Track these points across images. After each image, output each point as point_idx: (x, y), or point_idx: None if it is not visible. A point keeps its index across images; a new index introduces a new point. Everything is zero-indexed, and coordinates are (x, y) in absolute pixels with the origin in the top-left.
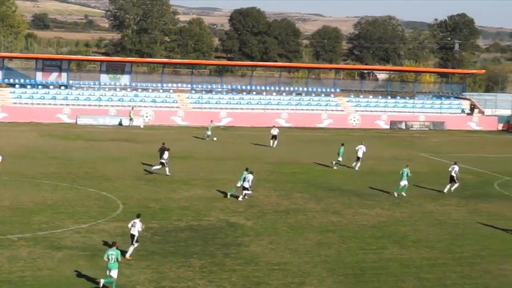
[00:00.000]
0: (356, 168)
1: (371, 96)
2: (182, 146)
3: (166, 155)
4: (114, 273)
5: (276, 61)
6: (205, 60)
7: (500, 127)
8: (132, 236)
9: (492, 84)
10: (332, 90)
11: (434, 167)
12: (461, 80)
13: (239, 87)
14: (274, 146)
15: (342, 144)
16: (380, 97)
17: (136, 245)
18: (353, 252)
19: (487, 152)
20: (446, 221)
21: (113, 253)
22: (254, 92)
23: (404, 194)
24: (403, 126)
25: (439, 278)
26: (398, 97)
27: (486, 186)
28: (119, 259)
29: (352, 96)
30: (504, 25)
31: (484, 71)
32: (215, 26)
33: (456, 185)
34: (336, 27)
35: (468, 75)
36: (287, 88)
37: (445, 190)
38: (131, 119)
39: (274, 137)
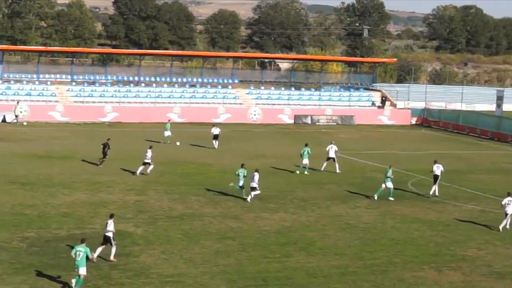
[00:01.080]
0: (322, 169)
1: (273, 88)
2: (62, 145)
3: (149, 153)
4: (82, 271)
5: (167, 48)
6: (87, 48)
7: (413, 121)
8: (106, 237)
9: (404, 74)
10: (230, 81)
11: (343, 166)
12: (371, 70)
13: (125, 78)
14: (217, 146)
15: (306, 145)
16: (283, 88)
17: (114, 247)
18: (255, 260)
19: (400, 148)
20: (356, 225)
21: (81, 249)
22: (142, 84)
23: (392, 199)
24: (308, 120)
25: None
26: (303, 89)
27: (399, 186)
28: (89, 256)
29: (252, 88)
30: (417, 9)
31: (395, 59)
32: (97, 10)
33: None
34: (234, 11)
35: (379, 64)
36: (179, 79)
37: (431, 192)
38: (16, 116)
39: (215, 137)
